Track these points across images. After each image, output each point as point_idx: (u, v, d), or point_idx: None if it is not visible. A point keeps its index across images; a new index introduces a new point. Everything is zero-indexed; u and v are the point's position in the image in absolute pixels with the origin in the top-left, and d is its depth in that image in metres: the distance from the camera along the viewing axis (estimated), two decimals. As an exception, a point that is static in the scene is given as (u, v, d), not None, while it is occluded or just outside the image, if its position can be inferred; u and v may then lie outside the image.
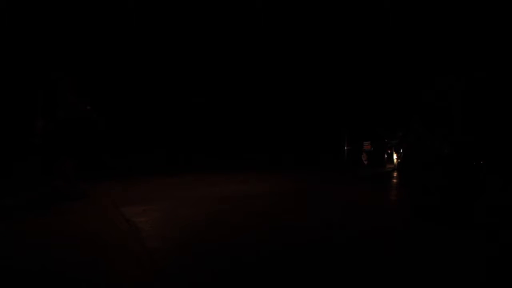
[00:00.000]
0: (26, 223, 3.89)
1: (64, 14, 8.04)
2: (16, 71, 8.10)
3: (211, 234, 3.53)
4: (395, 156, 7.81)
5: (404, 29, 7.16)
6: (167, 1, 8.62)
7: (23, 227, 3.73)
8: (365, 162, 8.29)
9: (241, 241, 3.31)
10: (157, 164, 8.93)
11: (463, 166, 3.97)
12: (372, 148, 8.40)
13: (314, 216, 4.01)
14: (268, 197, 5.12)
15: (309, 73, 9.26)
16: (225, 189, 5.64)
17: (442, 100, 6.34)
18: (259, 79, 9.75)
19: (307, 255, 2.92)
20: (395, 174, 7.22)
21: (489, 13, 5.90)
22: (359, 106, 8.48)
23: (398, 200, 4.88)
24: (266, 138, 9.60)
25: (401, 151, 7.67)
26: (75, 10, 8.14)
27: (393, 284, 2.35)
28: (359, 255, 2.85)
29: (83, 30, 8.29)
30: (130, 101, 9.45)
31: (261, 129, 9.81)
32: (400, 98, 7.41)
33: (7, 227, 3.73)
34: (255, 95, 9.92)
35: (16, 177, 6.79)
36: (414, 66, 7.11)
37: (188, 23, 8.97)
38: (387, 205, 4.66)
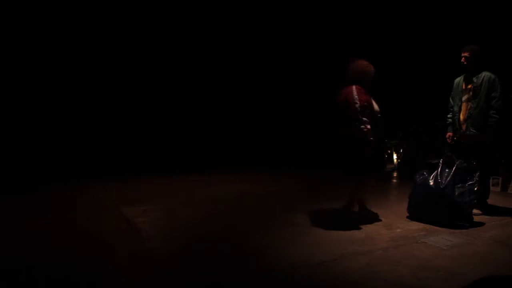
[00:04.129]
0: (26, 223, 3.89)
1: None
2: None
3: (211, 234, 3.53)
4: (395, 156, 7.81)
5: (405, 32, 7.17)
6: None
7: (23, 227, 3.74)
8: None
9: (242, 241, 3.31)
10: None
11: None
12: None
13: (315, 215, 4.01)
14: (269, 197, 5.12)
15: (308, 71, 9.26)
16: (225, 189, 5.64)
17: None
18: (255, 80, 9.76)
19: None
20: (395, 174, 7.22)
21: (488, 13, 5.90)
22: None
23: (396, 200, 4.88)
24: (265, 137, 9.60)
25: (401, 151, 7.66)
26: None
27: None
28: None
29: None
30: None
31: (260, 128, 9.80)
32: (400, 97, 7.40)
33: (8, 226, 3.73)
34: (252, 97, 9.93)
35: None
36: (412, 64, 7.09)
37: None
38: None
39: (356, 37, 7.93)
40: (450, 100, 4.29)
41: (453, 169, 3.67)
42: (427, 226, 3.60)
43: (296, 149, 9.15)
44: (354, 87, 3.54)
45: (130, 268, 2.77)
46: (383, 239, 3.24)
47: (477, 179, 3.65)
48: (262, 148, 9.29)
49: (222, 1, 8.90)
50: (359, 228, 3.52)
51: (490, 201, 4.21)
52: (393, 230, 3.53)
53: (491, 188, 5.10)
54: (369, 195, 5.23)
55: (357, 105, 3.45)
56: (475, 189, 3.62)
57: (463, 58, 4.01)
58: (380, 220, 3.82)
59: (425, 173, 3.87)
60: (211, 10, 8.98)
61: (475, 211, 3.79)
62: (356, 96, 3.48)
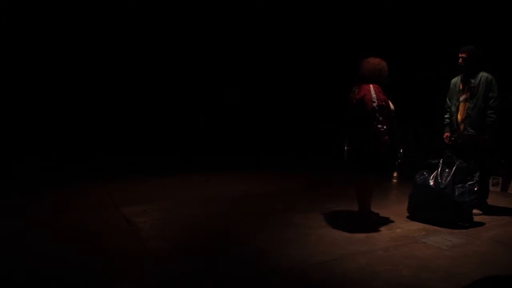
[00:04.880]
0: (26, 222, 3.89)
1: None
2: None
3: (211, 234, 3.53)
4: (395, 156, 7.80)
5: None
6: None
7: (23, 226, 3.74)
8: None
9: (242, 241, 3.31)
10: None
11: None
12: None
13: (315, 215, 4.01)
14: (269, 197, 5.12)
15: (307, 71, 9.26)
16: (225, 189, 5.64)
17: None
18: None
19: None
20: (395, 174, 7.22)
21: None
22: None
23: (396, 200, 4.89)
24: (265, 137, 9.60)
25: (401, 151, 7.64)
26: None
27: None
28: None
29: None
30: None
31: (260, 127, 9.81)
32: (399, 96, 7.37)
33: (8, 226, 3.74)
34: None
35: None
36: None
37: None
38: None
39: (355, 37, 7.93)
40: (447, 100, 4.30)
41: (453, 169, 3.67)
42: (427, 226, 3.60)
43: (296, 149, 9.15)
44: (371, 86, 3.49)
45: (130, 268, 2.77)
46: (383, 239, 3.25)
47: (477, 179, 3.65)
48: (262, 148, 9.28)
49: (221, 2, 8.90)
50: (359, 228, 3.52)
51: (490, 201, 4.21)
52: (393, 230, 3.53)
53: (491, 188, 5.11)
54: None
55: (375, 104, 3.40)
56: (475, 189, 3.62)
57: (460, 59, 4.03)
58: (380, 220, 3.82)
59: (425, 173, 3.87)
60: (211, 10, 8.99)
61: (475, 211, 3.80)
62: (374, 95, 3.42)
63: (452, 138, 4.20)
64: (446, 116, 4.31)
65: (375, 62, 3.61)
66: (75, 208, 4.49)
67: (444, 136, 4.30)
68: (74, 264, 2.79)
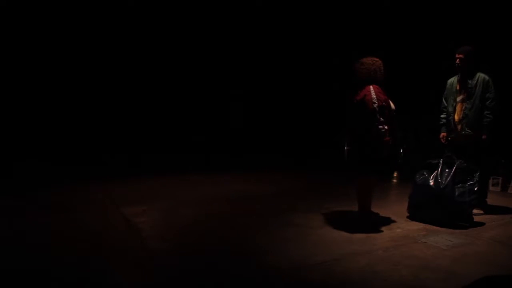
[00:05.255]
0: (26, 222, 3.89)
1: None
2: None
3: (211, 234, 3.53)
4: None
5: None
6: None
7: (23, 227, 3.74)
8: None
9: (242, 241, 3.31)
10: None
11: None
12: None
13: (315, 215, 4.01)
14: (269, 197, 5.12)
15: (308, 72, 9.26)
16: (225, 189, 5.64)
17: None
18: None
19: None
20: (395, 174, 7.22)
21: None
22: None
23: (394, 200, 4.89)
24: (266, 137, 9.60)
25: (401, 151, 7.63)
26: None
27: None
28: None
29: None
30: None
31: (261, 128, 9.82)
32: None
33: (8, 226, 3.73)
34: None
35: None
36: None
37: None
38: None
39: (355, 36, 7.93)
40: (443, 100, 4.31)
41: (453, 169, 3.67)
42: (427, 226, 3.60)
43: (296, 149, 9.15)
44: (371, 86, 3.49)
45: (130, 268, 2.77)
46: (383, 239, 3.25)
47: (477, 179, 3.65)
48: (262, 148, 9.29)
49: (220, 1, 8.91)
50: (359, 228, 3.52)
51: (490, 201, 4.22)
52: (393, 230, 3.53)
53: (491, 188, 5.11)
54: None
55: (375, 105, 3.40)
56: (475, 189, 3.62)
57: (457, 60, 4.04)
58: (380, 220, 3.82)
59: (425, 173, 3.87)
60: (211, 10, 9.00)
61: (475, 211, 3.80)
62: (374, 96, 3.42)
63: (449, 138, 4.21)
64: (442, 116, 4.31)
65: (369, 63, 3.61)
66: (75, 208, 4.49)
67: (441, 136, 4.31)
68: (74, 264, 2.79)
